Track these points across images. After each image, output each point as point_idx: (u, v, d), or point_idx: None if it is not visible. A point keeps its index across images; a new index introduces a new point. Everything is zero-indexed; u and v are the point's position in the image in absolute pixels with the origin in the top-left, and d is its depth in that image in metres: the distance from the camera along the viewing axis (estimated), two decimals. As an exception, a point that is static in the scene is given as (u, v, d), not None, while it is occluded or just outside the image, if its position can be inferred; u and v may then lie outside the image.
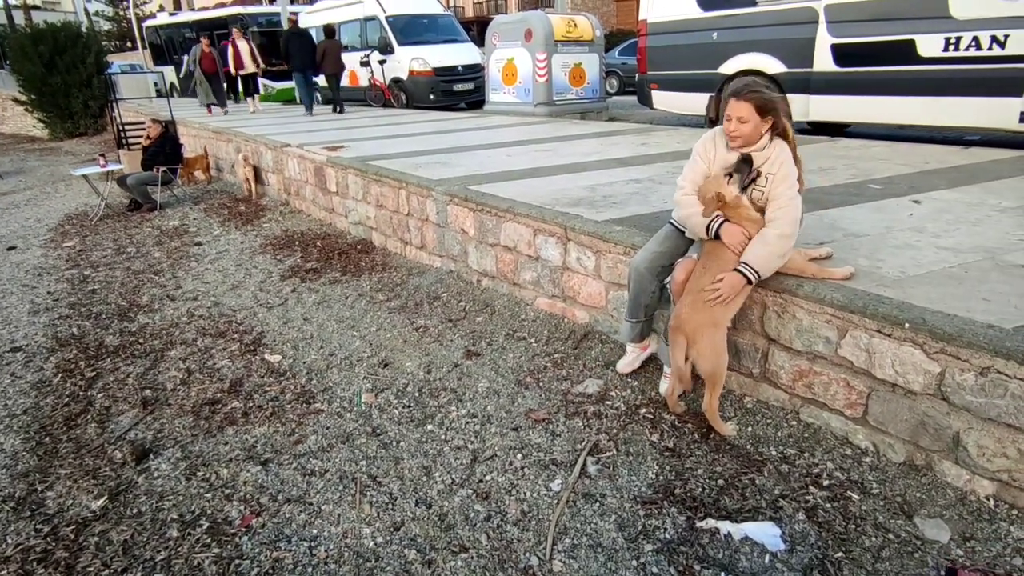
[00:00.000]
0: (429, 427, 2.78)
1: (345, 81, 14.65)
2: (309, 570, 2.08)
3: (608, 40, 11.52)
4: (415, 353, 3.47)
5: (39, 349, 4.05)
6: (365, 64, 13.64)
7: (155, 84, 15.88)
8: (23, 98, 16.62)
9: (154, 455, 2.81)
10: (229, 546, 2.21)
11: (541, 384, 3.04)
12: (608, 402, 2.83)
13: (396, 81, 13.42)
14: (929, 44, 5.22)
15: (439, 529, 2.19)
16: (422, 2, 14.40)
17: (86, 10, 21.48)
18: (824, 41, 6.07)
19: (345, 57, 14.45)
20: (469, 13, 31.28)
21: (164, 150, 7.84)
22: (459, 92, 13.29)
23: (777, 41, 6.54)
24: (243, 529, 2.29)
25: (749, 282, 2.31)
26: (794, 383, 2.49)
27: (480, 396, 2.99)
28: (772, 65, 6.62)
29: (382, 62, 13.33)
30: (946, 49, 5.08)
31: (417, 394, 3.06)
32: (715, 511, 2.11)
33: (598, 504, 2.22)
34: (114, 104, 10.94)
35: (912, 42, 5.28)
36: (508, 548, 2.08)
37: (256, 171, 7.87)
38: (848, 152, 4.69)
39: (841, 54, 5.96)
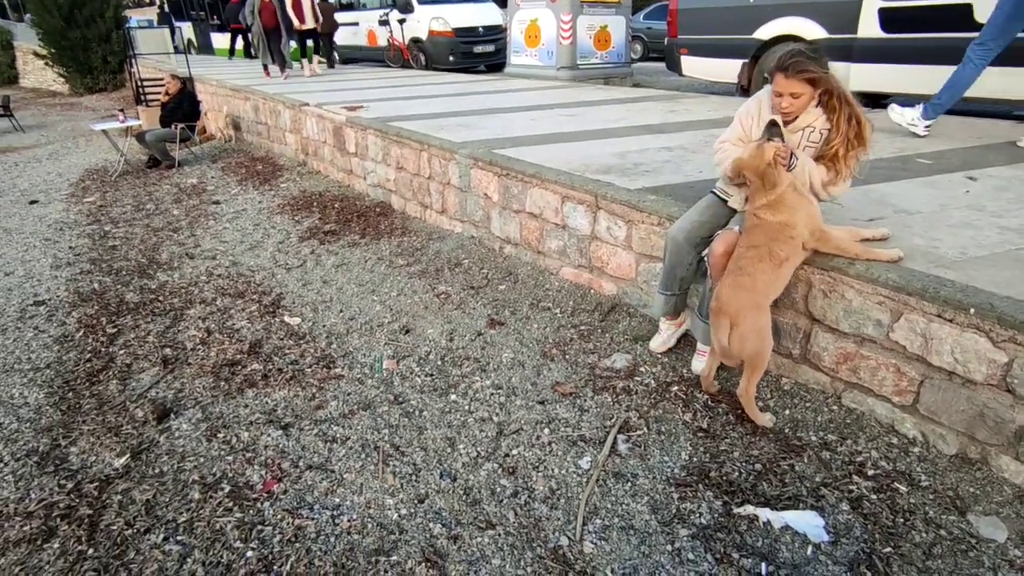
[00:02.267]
0: (452, 397, 2.71)
1: (363, 40, 14.38)
2: (332, 540, 2.04)
3: (634, 3, 11.10)
4: (437, 320, 3.39)
5: (61, 303, 4.03)
6: (384, 23, 13.31)
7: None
8: (43, 52, 16.48)
9: (175, 415, 2.78)
10: (251, 511, 2.18)
11: (567, 357, 2.95)
12: (637, 378, 2.74)
13: (415, 41, 13.09)
14: (987, 8, 4.90)
15: (464, 504, 2.13)
16: None
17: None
18: (872, 4, 5.74)
19: (363, 15, 14.13)
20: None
21: (182, 107, 7.72)
22: (479, 54, 12.94)
23: (819, 4, 6.20)
24: (265, 494, 2.25)
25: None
26: (837, 366, 2.38)
27: (504, 367, 2.91)
28: (812, 30, 6.29)
29: (401, 21, 12.98)
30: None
31: (440, 362, 2.99)
32: (753, 497, 2.02)
33: (629, 484, 2.14)
34: (132, 60, 10.79)
35: (969, 6, 4.96)
36: (536, 526, 2.02)
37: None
38: (891, 124, 4.45)
39: (889, 19, 5.63)
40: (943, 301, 1.97)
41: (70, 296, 4.16)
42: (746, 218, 2.36)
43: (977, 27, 4.97)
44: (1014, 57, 4.75)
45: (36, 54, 17.33)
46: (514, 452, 2.35)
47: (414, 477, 2.27)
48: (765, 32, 6.69)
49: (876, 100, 6.78)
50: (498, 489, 2.18)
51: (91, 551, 2.07)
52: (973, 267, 2.18)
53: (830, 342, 2.37)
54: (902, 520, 1.89)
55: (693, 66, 7.73)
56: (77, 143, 10.22)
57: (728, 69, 7.20)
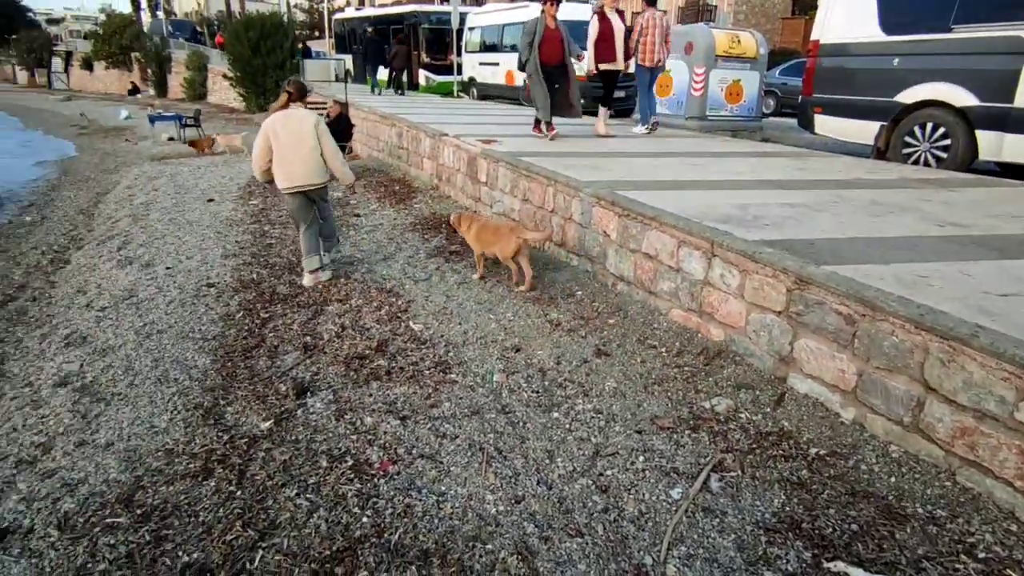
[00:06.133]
0: (555, 415, 2.90)
1: (501, 80, 15.27)
2: (435, 521, 2.27)
3: (769, 58, 10.97)
4: (546, 343, 3.61)
5: (227, 287, 4.70)
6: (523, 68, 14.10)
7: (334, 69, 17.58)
8: (230, 75, 19.07)
9: (311, 393, 3.19)
10: (368, 484, 2.47)
11: (668, 394, 3.04)
12: (736, 424, 2.78)
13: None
14: None
15: (557, 511, 2.30)
16: (586, 9, 14.59)
17: (287, 2, 24.21)
18: (1035, 74, 5.40)
19: (504, 56, 15.06)
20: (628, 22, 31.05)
21: (339, 128, 8.67)
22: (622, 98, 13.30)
23: (971, 71, 5.91)
24: (381, 473, 2.55)
25: None
26: (953, 440, 2.30)
27: (607, 394, 3.06)
28: (960, 97, 5.99)
29: (539, 64, 13.68)
30: None
31: (546, 382, 3.19)
32: (846, 555, 2.02)
33: (718, 520, 2.21)
34: (300, 84, 12.22)
35: None
36: (623, 542, 2.14)
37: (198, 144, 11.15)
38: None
39: (1056, 91, 5.27)
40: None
41: (234, 282, 4.84)
42: None
43: None
44: None
45: (224, 76, 20.07)
46: (608, 472, 2.48)
47: (513, 480, 2.47)
48: (908, 96, 6.45)
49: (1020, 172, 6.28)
50: (590, 503, 2.33)
51: (239, 493, 2.46)
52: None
53: (946, 413, 2.30)
54: (1010, 606, 1.81)
55: (827, 125, 7.56)
56: (247, 153, 11.69)
57: (865, 131, 6.98)
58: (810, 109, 7.71)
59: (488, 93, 15.79)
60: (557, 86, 7.03)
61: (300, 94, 4.49)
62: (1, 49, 52.52)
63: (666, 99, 9.95)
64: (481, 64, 16.14)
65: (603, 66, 7.52)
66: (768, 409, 2.85)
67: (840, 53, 7.22)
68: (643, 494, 2.36)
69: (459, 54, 16.98)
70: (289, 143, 4.35)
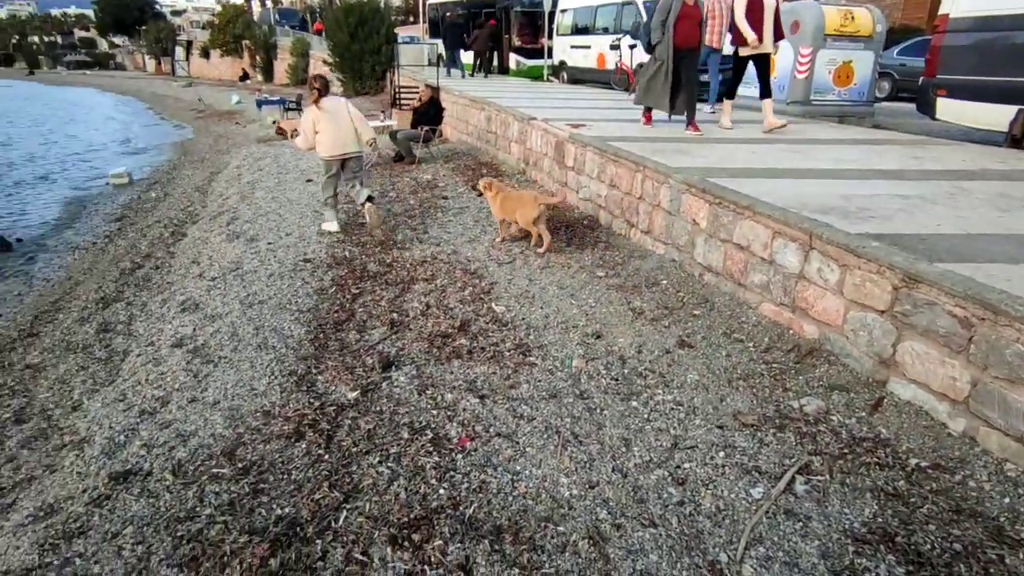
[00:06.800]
0: (633, 403, 2.87)
1: (592, 63, 15.03)
2: (509, 499, 2.32)
3: (888, 36, 10.02)
4: (628, 331, 3.56)
5: (321, 263, 4.97)
6: (615, 48, 13.79)
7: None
8: (330, 60, 19.94)
9: (395, 368, 3.32)
10: (447, 458, 2.56)
11: (754, 390, 2.92)
12: (827, 426, 2.63)
13: (642, 66, 13.36)
14: None
15: (631, 499, 2.28)
16: None
17: (384, -12, 24.92)
18: None
19: (596, 39, 14.78)
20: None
21: (430, 113, 8.88)
22: (706, 83, 12.78)
23: None
24: (459, 448, 2.62)
25: None
26: (1084, 462, 2.07)
27: (688, 387, 2.98)
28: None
29: (632, 47, 13.34)
30: None
31: (625, 370, 3.16)
32: (944, 575, 1.87)
33: (801, 524, 2.11)
34: (396, 69, 12.60)
35: None
36: (697, 537, 2.09)
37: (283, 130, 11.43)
38: None
39: None
40: None
41: (328, 259, 5.10)
42: None
43: None
44: None
45: (324, 61, 21.02)
46: (686, 465, 2.43)
47: (588, 465, 2.47)
48: (1057, 76, 5.73)
49: None
50: (665, 495, 2.29)
51: (327, 456, 2.62)
52: None
53: (1078, 433, 2.07)
54: None
55: (951, 109, 6.87)
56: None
57: (997, 115, 6.28)
58: (932, 92, 7.03)
59: (579, 77, 15.57)
60: (682, 77, 6.09)
61: (326, 87, 5.63)
62: (133, 40, 57.78)
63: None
64: (572, 47, 15.92)
65: (746, 50, 6.20)
66: (863, 413, 2.68)
67: (973, 28, 6.51)
68: (722, 490, 2.29)
69: (550, 37, 16.84)
70: (332, 123, 5.49)
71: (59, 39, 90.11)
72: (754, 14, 6.05)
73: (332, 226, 5.81)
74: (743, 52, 6.26)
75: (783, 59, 9.08)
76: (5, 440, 3.22)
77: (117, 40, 68.84)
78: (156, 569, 2.07)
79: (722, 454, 2.48)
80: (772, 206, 3.57)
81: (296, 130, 6.14)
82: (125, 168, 12.05)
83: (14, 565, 2.19)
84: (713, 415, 2.75)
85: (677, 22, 5.89)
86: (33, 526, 2.39)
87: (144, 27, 51.99)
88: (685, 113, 6.33)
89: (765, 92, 6.63)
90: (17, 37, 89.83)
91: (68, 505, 2.46)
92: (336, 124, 5.49)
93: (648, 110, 6.70)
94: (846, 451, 2.45)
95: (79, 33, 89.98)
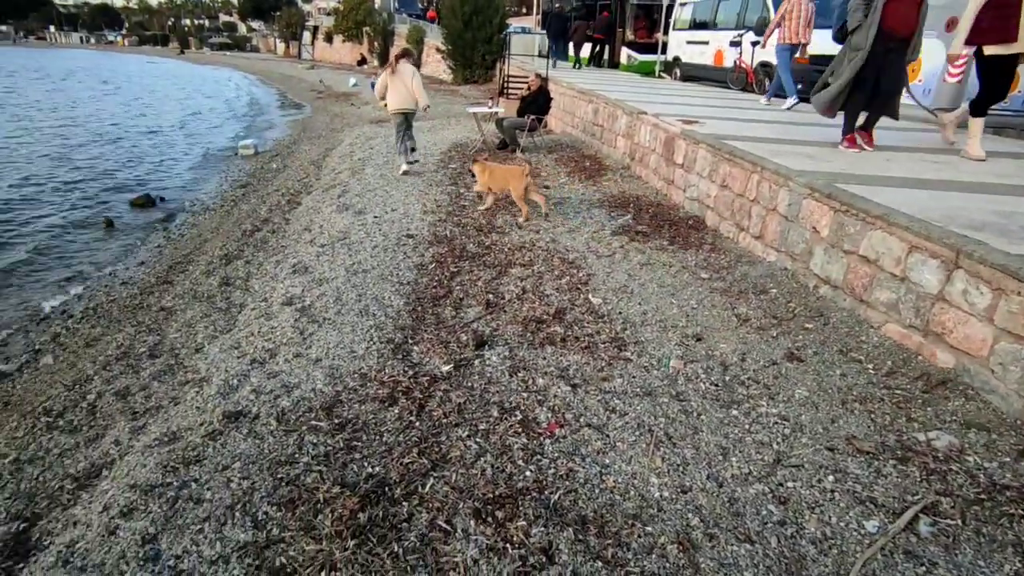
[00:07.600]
0: (734, 412, 2.70)
1: (709, 60, 14.44)
2: (596, 491, 2.25)
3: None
4: (732, 338, 3.37)
5: (423, 240, 5.09)
6: (735, 44, 13.15)
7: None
8: (442, 48, 20.48)
9: (488, 347, 3.33)
10: (535, 442, 2.52)
11: (872, 415, 2.67)
12: (960, 465, 2.34)
13: (763, 65, 12.64)
14: None
15: (727, 511, 2.14)
16: None
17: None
18: None
19: (714, 35, 14.19)
20: None
21: (537, 102, 8.85)
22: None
23: None
24: (548, 433, 2.58)
25: None
26: None
27: (796, 402, 2.77)
28: None
29: (755, 44, 12.66)
30: None
31: (727, 377, 2.98)
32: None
33: (924, 569, 1.89)
34: (506, 59, 12.70)
35: None
36: (799, 562, 1.93)
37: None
38: None
39: None
40: None
41: (429, 236, 5.21)
42: None
43: None
44: None
45: (437, 49, 21.61)
46: (789, 484, 2.26)
47: (681, 469, 2.35)
48: None
49: None
50: (764, 512, 2.13)
51: (417, 423, 2.66)
52: None
53: None
54: None
55: None
56: (449, 121, 12.50)
57: None
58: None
59: (693, 74, 15.00)
60: (884, 73, 4.75)
61: (407, 54, 7.27)
62: (268, 24, 62.19)
63: (910, 86, 8.60)
64: (688, 43, 15.36)
65: (993, 49, 4.50)
66: (1008, 458, 2.36)
67: None
68: (829, 516, 2.10)
69: (666, 32, 16.34)
70: (398, 83, 7.04)
71: (207, 22, 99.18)
72: (1000, 5, 4.39)
73: (403, 168, 7.52)
74: (989, 51, 4.56)
75: (931, 61, 8.27)
76: (141, 371, 3.54)
77: (254, 24, 74.50)
78: (258, 504, 2.19)
79: (831, 478, 2.28)
80: (911, 217, 3.24)
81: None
82: (252, 140, 13.00)
83: (141, 480, 2.39)
84: (823, 435, 2.53)
85: (888, 3, 4.62)
86: (158, 449, 2.60)
87: (277, 13, 55.79)
88: (856, 118, 5.10)
89: (983, 109, 4.96)
90: (172, 20, 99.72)
91: (187, 435, 2.66)
92: (399, 86, 7.01)
93: (850, 128, 5.21)
94: (983, 497, 2.17)
95: (223, 17, 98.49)
